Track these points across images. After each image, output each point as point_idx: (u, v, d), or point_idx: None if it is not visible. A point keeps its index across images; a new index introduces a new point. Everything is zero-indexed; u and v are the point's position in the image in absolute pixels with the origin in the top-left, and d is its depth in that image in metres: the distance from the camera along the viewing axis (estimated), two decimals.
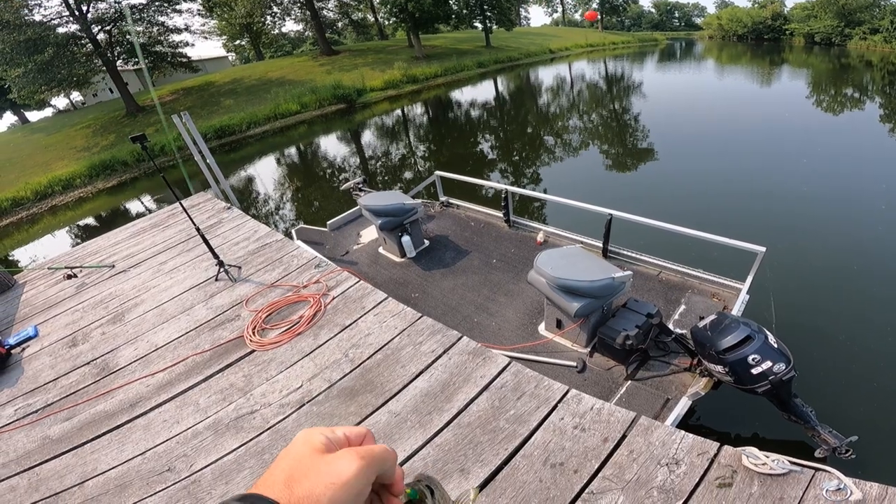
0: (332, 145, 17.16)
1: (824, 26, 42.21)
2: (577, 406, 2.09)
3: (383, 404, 2.34)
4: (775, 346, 2.32)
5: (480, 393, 2.28)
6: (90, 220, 13.84)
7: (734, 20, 56.04)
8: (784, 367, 2.24)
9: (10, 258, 11.24)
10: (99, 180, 16.89)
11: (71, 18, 21.86)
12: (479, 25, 38.69)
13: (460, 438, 2.05)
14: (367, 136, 17.66)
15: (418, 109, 22.05)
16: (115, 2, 23.01)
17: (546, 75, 29.86)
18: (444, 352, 2.63)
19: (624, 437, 1.89)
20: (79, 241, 11.52)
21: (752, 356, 2.27)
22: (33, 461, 2.51)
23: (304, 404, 2.48)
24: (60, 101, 39.89)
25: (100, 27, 22.90)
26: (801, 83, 19.34)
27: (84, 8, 22.00)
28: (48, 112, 40.62)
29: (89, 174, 16.95)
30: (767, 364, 2.24)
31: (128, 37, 24.16)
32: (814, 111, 13.68)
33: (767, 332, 2.38)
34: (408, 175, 11.70)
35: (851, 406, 3.20)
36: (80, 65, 22.00)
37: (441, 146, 14.30)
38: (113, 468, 2.33)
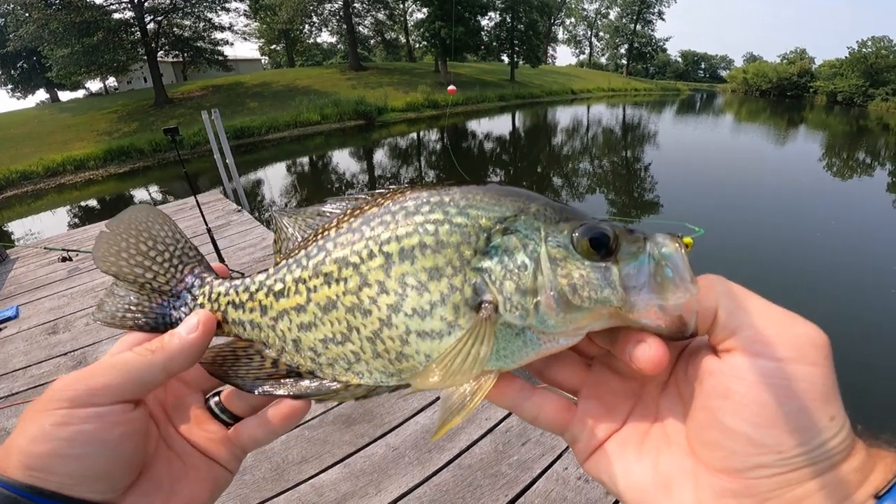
0: (344, 160, 17.44)
1: (849, 85, 43.16)
2: None
3: (381, 436, 2.27)
4: None
5: (484, 435, 2.23)
6: (93, 202, 14.03)
7: (760, 75, 56.97)
8: None
9: (5, 229, 11.34)
10: (112, 165, 17.20)
11: (129, 5, 22.34)
12: (506, 59, 39.69)
13: (459, 480, 1.99)
14: (380, 156, 17.94)
15: (434, 135, 22.40)
16: None
17: (564, 115, 30.33)
18: None
19: None
20: (77, 221, 11.66)
21: None
22: None
23: (295, 427, 2.38)
24: (94, 85, 40.93)
25: (152, 17, 23.34)
26: (816, 146, 19.48)
27: None
28: (80, 93, 41.68)
29: (104, 157, 17.28)
30: None
31: (175, 29, 24.51)
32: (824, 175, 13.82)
33: None
34: None
35: None
36: (125, 51, 22.36)
37: (451, 175, 14.43)
38: None
